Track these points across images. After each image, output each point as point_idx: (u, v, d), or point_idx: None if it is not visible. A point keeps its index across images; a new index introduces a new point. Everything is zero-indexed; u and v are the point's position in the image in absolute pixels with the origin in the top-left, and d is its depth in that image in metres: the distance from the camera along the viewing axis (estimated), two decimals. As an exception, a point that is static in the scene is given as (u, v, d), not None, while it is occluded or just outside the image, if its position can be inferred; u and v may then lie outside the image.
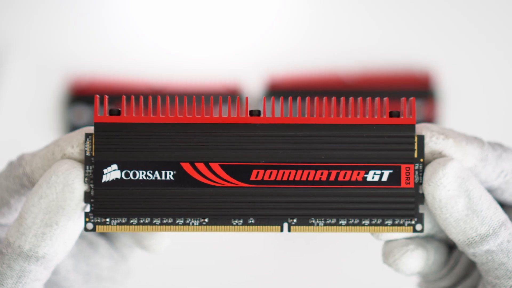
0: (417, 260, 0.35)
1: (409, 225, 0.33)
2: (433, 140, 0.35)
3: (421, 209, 0.33)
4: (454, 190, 0.33)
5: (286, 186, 0.32)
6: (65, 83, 0.90)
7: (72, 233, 0.34)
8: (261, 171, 0.32)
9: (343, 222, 0.32)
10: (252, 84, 0.90)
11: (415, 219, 0.33)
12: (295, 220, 0.32)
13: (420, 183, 0.34)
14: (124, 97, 0.33)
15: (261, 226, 0.32)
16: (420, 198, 0.33)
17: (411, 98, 0.34)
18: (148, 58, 0.90)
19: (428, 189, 0.33)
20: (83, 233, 0.38)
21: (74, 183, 0.33)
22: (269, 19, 0.90)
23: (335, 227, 0.32)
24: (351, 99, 0.33)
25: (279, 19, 0.90)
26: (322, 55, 0.90)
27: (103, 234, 0.39)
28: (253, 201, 0.32)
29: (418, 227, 0.33)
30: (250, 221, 0.32)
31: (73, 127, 0.89)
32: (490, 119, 0.90)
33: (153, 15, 0.91)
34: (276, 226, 0.32)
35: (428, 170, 0.34)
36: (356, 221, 0.32)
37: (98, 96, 0.33)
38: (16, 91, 0.90)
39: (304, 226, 0.32)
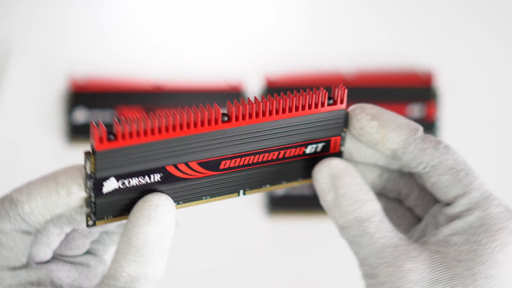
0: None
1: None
2: (358, 118, 0.41)
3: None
4: (326, 184, 0.40)
5: (246, 168, 0.41)
6: (66, 84, 0.90)
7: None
8: (228, 161, 0.40)
9: (284, 181, 0.43)
10: (252, 84, 0.90)
11: None
12: (248, 188, 0.42)
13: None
14: (116, 120, 0.38)
15: (223, 196, 0.42)
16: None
17: (342, 88, 0.40)
18: (149, 58, 0.90)
19: (312, 180, 0.41)
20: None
21: (173, 209, 0.39)
22: (269, 19, 0.90)
23: (279, 185, 0.43)
24: (294, 92, 0.40)
25: (279, 19, 0.90)
26: (324, 55, 0.90)
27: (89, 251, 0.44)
28: (221, 182, 0.41)
29: None
30: (215, 194, 0.42)
31: (73, 128, 0.89)
32: (491, 118, 0.90)
33: (155, 17, 0.91)
34: (235, 193, 0.42)
35: (316, 165, 0.42)
36: (295, 179, 0.43)
37: (93, 123, 0.38)
38: (17, 92, 0.90)
39: (256, 189, 0.42)
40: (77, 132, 0.89)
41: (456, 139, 0.89)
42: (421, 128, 0.41)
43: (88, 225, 0.40)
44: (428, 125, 0.88)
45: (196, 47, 0.90)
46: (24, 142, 0.90)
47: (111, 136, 0.38)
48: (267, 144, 0.41)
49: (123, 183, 0.39)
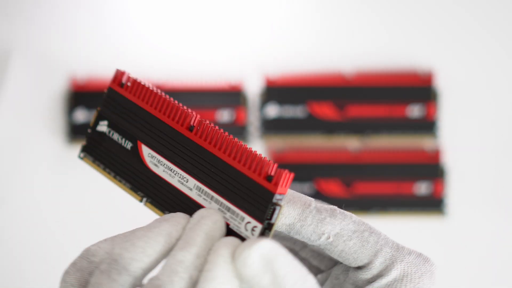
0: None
1: None
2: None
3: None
4: (258, 269, 0.36)
5: (173, 186, 0.40)
6: (66, 84, 0.90)
7: None
8: (167, 166, 0.41)
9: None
10: (252, 84, 0.90)
11: None
12: (167, 212, 0.41)
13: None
14: (134, 77, 0.42)
15: (153, 207, 0.42)
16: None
17: (290, 174, 0.37)
18: (149, 58, 0.90)
19: (236, 265, 0.36)
20: None
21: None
22: (269, 20, 0.90)
23: None
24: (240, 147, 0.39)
25: (280, 19, 0.90)
26: (324, 55, 0.90)
27: None
28: (153, 186, 0.41)
29: None
30: (149, 200, 0.42)
31: (73, 128, 0.89)
32: (491, 118, 0.90)
33: (155, 18, 0.91)
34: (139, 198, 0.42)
35: (238, 249, 0.37)
36: None
37: (120, 70, 0.42)
38: (17, 92, 0.90)
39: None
40: (77, 132, 0.89)
41: (456, 139, 0.89)
42: (313, 200, 0.40)
43: (79, 156, 0.44)
44: (428, 125, 0.88)
45: (196, 47, 0.90)
46: (24, 142, 0.90)
47: (123, 84, 0.42)
48: (202, 177, 0.39)
49: (109, 131, 0.42)
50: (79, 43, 0.90)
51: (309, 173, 0.88)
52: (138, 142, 0.41)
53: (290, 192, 0.40)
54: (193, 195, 0.40)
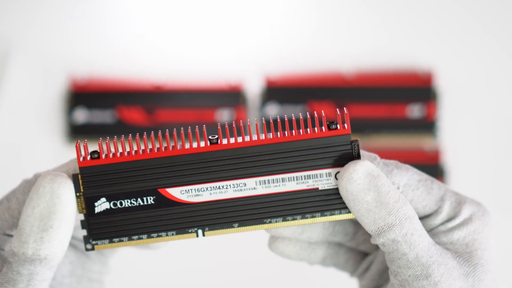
0: (286, 246, 0.43)
1: (346, 212, 0.40)
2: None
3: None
4: (364, 185, 0.38)
5: (233, 198, 0.40)
6: (66, 84, 0.90)
7: (66, 233, 0.39)
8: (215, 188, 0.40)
9: (289, 218, 0.40)
10: (252, 84, 0.90)
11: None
12: (237, 224, 0.40)
13: None
14: (101, 140, 0.39)
15: (219, 230, 0.40)
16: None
17: (343, 111, 0.39)
18: (149, 58, 0.90)
19: (341, 183, 0.39)
20: (78, 242, 0.44)
21: (59, 190, 0.39)
22: (269, 19, 0.90)
23: (281, 223, 0.40)
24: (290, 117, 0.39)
25: (280, 19, 0.90)
26: (324, 55, 0.90)
27: None
28: (206, 213, 0.40)
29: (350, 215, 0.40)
30: (206, 229, 0.40)
31: (73, 128, 0.89)
32: (491, 118, 0.90)
33: (155, 18, 0.91)
34: (230, 228, 0.40)
35: (343, 168, 0.39)
36: (296, 218, 0.40)
37: (78, 142, 0.39)
38: (17, 92, 0.90)
39: (255, 225, 0.40)
40: (77, 132, 0.89)
41: (456, 139, 0.89)
42: (377, 155, 0.42)
43: (86, 249, 0.41)
44: (428, 125, 0.88)
45: (196, 47, 0.90)
46: (24, 142, 0.90)
47: (94, 154, 0.40)
48: (261, 170, 0.39)
49: (115, 204, 0.40)
50: (79, 43, 0.90)
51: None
52: (159, 190, 0.40)
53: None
54: (261, 191, 0.40)
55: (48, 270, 0.39)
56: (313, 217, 0.40)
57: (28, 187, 0.41)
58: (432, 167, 0.88)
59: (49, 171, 0.40)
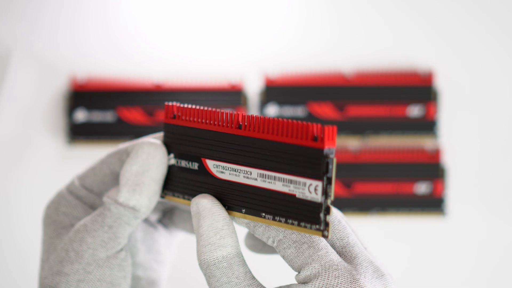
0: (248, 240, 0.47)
1: (316, 229, 0.41)
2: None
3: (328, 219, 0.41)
4: (194, 221, 0.43)
5: (242, 183, 0.43)
6: (66, 84, 0.90)
7: (155, 191, 0.46)
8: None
9: (264, 215, 0.43)
10: (252, 83, 0.90)
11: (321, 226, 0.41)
12: (244, 210, 0.43)
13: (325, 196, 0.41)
14: (178, 104, 0.45)
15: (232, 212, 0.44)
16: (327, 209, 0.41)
17: (332, 128, 0.40)
18: (149, 58, 0.90)
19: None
20: (148, 218, 0.51)
21: (154, 153, 0.45)
22: (269, 19, 0.90)
23: (258, 218, 0.43)
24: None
25: (280, 19, 0.90)
26: (324, 55, 0.90)
27: (160, 221, 0.52)
28: (226, 192, 0.44)
29: (325, 233, 0.41)
30: (226, 208, 0.44)
31: (73, 128, 0.89)
32: (491, 118, 0.90)
33: (155, 18, 0.91)
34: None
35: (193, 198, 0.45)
36: (271, 217, 0.42)
37: (167, 103, 0.45)
38: (17, 92, 0.90)
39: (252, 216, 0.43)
40: (77, 132, 0.89)
41: (456, 139, 0.89)
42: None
43: (161, 196, 0.46)
44: (428, 124, 0.88)
45: (196, 47, 0.90)
46: (25, 142, 0.90)
47: (175, 116, 0.45)
48: (263, 164, 0.42)
49: (177, 161, 0.45)
50: (79, 43, 0.90)
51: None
52: (202, 159, 0.44)
53: None
54: (259, 183, 0.42)
55: (133, 218, 0.45)
56: (277, 220, 0.42)
57: (118, 153, 0.48)
58: (432, 166, 0.88)
59: (148, 137, 0.47)
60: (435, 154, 0.88)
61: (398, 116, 0.88)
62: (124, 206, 0.45)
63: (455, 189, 0.89)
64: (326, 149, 0.40)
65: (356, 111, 0.88)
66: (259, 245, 0.47)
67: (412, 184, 0.88)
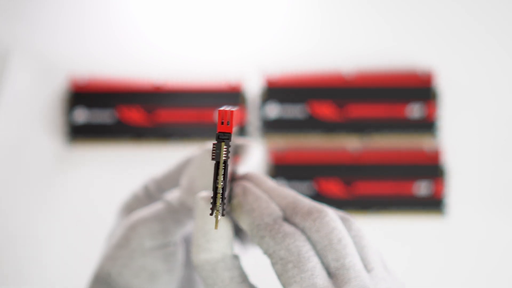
0: None
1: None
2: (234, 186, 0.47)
3: None
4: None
5: None
6: (66, 84, 0.90)
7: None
8: None
9: None
10: (252, 84, 0.90)
11: None
12: None
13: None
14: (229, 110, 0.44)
15: None
16: None
17: (229, 111, 0.41)
18: (149, 58, 0.90)
19: None
20: None
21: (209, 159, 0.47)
22: (269, 19, 0.90)
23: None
24: None
25: (279, 19, 0.90)
26: (323, 55, 0.90)
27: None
28: None
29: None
30: None
31: (73, 128, 0.89)
32: (491, 118, 0.90)
33: (155, 18, 0.91)
34: None
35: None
36: None
37: (220, 110, 0.43)
38: (17, 92, 0.90)
39: None
40: (77, 132, 0.89)
41: (456, 139, 0.89)
42: (275, 214, 0.43)
43: (222, 214, 0.44)
44: (428, 125, 0.88)
45: (196, 47, 0.90)
46: (24, 142, 0.90)
47: (226, 123, 0.43)
48: None
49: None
50: (79, 43, 0.90)
51: (309, 173, 0.88)
52: None
53: (258, 202, 0.44)
54: None
55: (186, 217, 0.48)
56: None
57: (183, 160, 0.50)
58: (432, 167, 0.88)
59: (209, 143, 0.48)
60: (435, 155, 0.88)
61: (398, 116, 0.88)
62: (180, 203, 0.47)
63: (455, 190, 0.89)
64: (220, 133, 0.41)
65: (356, 111, 0.88)
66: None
67: (412, 185, 0.88)
